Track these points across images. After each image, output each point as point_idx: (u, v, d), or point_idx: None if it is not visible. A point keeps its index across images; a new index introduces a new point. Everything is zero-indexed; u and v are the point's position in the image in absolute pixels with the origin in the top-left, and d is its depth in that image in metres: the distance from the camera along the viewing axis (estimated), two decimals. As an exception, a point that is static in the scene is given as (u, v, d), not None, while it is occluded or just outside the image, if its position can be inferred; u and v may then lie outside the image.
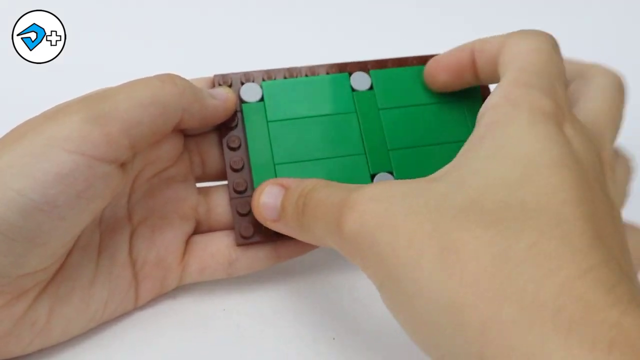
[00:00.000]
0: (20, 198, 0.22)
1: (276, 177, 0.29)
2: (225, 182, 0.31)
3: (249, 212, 0.29)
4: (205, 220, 0.31)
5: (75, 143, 0.23)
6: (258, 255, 0.30)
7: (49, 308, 0.26)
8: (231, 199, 0.30)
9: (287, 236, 0.28)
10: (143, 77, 0.27)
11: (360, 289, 0.31)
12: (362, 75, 0.31)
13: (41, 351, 0.26)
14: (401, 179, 0.28)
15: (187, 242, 0.30)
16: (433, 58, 0.32)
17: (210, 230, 0.31)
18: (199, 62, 0.48)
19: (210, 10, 0.51)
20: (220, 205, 0.31)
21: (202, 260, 0.30)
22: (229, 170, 0.30)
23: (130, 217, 0.29)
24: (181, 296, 0.30)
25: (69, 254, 0.27)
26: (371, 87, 0.31)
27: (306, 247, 0.30)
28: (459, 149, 0.25)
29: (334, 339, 0.27)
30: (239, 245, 0.29)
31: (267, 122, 0.30)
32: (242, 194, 0.30)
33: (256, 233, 0.29)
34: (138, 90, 0.26)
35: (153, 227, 0.29)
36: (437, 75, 0.31)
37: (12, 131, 0.26)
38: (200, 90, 0.29)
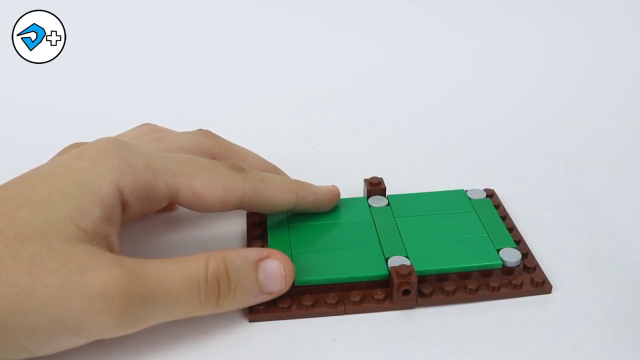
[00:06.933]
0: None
1: (293, 263, 0.29)
2: None
3: None
4: None
5: None
6: None
7: None
8: None
9: None
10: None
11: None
12: (379, 197, 0.34)
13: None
14: (417, 263, 0.29)
15: None
16: None
17: None
18: (198, 62, 0.48)
19: (211, 10, 0.51)
20: None
21: None
22: None
23: None
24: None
25: None
26: (388, 204, 0.34)
27: None
28: (474, 241, 0.30)
29: (334, 339, 0.27)
30: (251, 321, 0.28)
31: (289, 225, 0.32)
32: None
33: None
34: None
35: None
36: None
37: None
38: None
